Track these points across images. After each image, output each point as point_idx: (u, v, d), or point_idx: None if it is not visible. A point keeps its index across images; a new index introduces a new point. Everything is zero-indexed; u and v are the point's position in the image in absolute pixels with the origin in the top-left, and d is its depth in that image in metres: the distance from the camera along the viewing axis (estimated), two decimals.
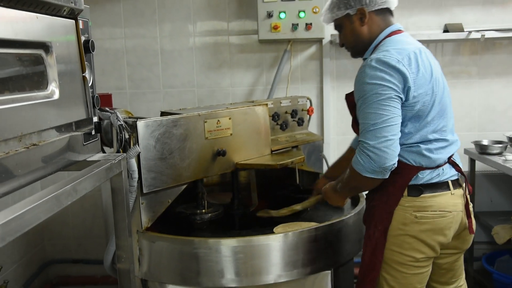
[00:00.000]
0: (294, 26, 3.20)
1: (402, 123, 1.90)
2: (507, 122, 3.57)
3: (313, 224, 2.22)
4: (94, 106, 1.69)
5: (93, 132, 1.70)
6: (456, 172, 2.03)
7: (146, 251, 2.14)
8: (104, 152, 2.06)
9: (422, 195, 1.95)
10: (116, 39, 3.56)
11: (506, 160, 3.05)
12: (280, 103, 2.76)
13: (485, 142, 3.33)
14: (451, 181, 2.00)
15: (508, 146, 3.29)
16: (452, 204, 1.97)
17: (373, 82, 1.86)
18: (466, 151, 3.43)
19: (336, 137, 3.54)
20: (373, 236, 2.02)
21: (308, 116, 2.96)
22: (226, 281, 2.08)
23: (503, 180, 3.50)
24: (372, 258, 2.04)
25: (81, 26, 1.60)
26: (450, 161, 2.01)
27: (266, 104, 2.53)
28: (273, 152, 2.53)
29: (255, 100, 3.17)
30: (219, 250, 2.06)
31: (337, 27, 2.16)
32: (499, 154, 3.21)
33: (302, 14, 3.19)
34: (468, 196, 2.06)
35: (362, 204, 2.49)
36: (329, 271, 2.23)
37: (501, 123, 3.57)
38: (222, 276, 2.07)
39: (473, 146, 3.35)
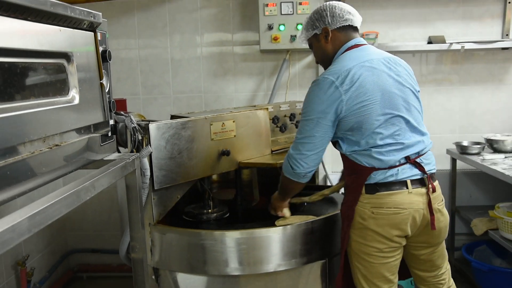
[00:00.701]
0: (293, 38, 3.20)
1: (347, 132, 1.94)
2: (484, 125, 3.56)
3: (311, 217, 2.21)
4: (110, 110, 1.69)
5: (109, 134, 1.70)
6: (420, 172, 1.95)
7: (157, 242, 2.14)
8: (119, 152, 2.06)
9: (377, 193, 1.92)
10: (131, 49, 3.56)
11: (484, 159, 3.05)
12: (280, 107, 2.75)
13: (465, 143, 3.33)
14: (411, 180, 1.94)
15: (486, 146, 3.28)
16: (408, 202, 1.92)
17: (307, 101, 1.97)
18: (448, 151, 3.43)
19: None
20: (343, 230, 2.03)
21: None
22: (230, 270, 2.07)
23: (481, 177, 3.49)
24: (346, 250, 2.05)
25: (99, 37, 1.60)
26: (412, 162, 1.95)
27: (267, 108, 2.52)
28: (273, 152, 2.52)
29: (257, 104, 3.17)
30: (224, 241, 2.05)
31: (310, 46, 2.19)
32: (478, 154, 3.20)
33: (299, 27, 3.18)
34: (431, 195, 1.96)
35: None
36: (324, 261, 2.22)
37: (480, 126, 3.57)
38: (227, 265, 2.07)
39: (454, 146, 3.34)
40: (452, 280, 2.20)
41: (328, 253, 2.24)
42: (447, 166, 3.49)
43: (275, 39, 3.19)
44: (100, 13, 1.57)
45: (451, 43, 3.27)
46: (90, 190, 1.33)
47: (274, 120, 2.67)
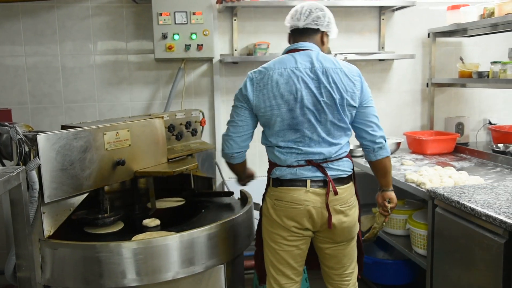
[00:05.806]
0: (187, 47, 3.18)
1: (263, 126, 2.14)
2: None
3: (166, 233, 2.13)
4: None
5: None
6: (322, 175, 2.05)
7: (48, 258, 2.00)
8: (3, 165, 1.90)
9: (280, 187, 2.08)
10: (17, 57, 3.31)
11: (366, 161, 3.24)
12: (176, 115, 2.72)
13: (351, 147, 3.50)
14: (312, 180, 2.04)
15: None
16: (304, 199, 2.03)
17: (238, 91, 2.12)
18: None
19: None
20: (259, 219, 2.23)
21: (201, 127, 2.94)
22: (127, 281, 2.00)
23: (365, 178, 3.71)
24: (258, 237, 2.27)
25: None
26: (316, 165, 2.05)
27: (162, 117, 2.48)
28: (169, 160, 2.49)
29: (153, 113, 3.10)
30: (120, 252, 1.98)
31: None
32: (362, 156, 3.41)
33: (194, 36, 3.18)
34: (331, 197, 2.05)
35: (250, 204, 2.53)
36: (223, 265, 2.23)
37: None
38: (124, 276, 1.99)
39: None
40: (356, 284, 2.28)
41: (226, 258, 2.24)
42: None
43: (170, 48, 3.15)
44: None
45: (335, 54, 3.46)
46: None
47: (170, 128, 2.64)
